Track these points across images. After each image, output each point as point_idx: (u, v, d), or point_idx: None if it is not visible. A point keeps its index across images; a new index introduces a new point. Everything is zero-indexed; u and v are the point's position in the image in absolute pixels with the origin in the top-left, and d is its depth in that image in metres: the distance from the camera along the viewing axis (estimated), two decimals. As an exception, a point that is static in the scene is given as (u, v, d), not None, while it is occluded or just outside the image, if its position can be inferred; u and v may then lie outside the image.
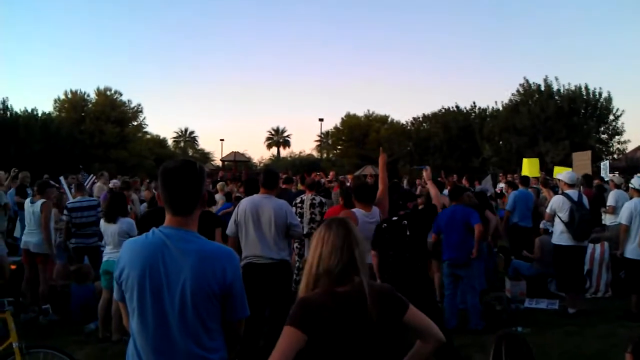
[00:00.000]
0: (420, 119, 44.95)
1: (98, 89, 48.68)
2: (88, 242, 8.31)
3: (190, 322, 2.30)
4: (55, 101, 48.30)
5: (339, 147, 57.18)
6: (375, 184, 7.95)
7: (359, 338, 2.33)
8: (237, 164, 34.93)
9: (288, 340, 2.27)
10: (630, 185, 8.10)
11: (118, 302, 2.51)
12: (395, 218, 5.79)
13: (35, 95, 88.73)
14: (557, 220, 7.85)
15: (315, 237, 2.50)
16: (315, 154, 60.49)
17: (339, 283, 2.36)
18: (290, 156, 61.65)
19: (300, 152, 62.17)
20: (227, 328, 2.43)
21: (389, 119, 55.01)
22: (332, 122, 78.09)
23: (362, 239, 2.49)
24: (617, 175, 12.31)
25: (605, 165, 16.09)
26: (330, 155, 57.71)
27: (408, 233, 5.59)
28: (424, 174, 6.90)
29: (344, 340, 2.31)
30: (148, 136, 54.68)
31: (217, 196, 11.24)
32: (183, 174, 2.40)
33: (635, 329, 6.56)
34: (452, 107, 42.54)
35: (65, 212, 8.38)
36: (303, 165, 42.69)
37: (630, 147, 38.65)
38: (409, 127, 46.12)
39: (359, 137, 53.04)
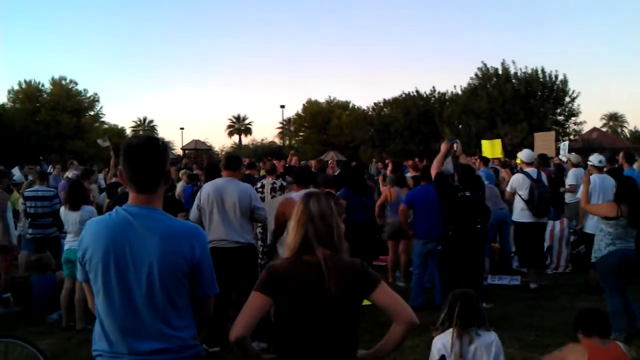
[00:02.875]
0: (381, 104, 45.07)
1: (53, 79, 47.62)
2: (47, 233, 8.11)
3: (158, 300, 2.26)
4: (9, 92, 47.08)
5: (301, 133, 57.10)
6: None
7: (318, 307, 2.39)
8: (199, 152, 34.52)
9: (253, 303, 2.40)
10: (588, 162, 8.27)
11: (82, 284, 2.45)
12: (468, 193, 6.29)
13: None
14: (517, 198, 7.99)
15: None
16: (277, 140, 60.22)
17: (305, 253, 2.46)
18: (252, 143, 61.20)
19: (262, 140, 61.75)
20: (196, 306, 2.40)
21: (351, 105, 55.22)
22: (294, 108, 77.74)
23: (326, 214, 2.50)
24: (573, 154, 12.54)
25: (564, 145, 16.42)
26: (293, 142, 57.54)
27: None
28: (455, 147, 7.00)
29: (304, 307, 2.40)
30: (105, 126, 53.63)
31: (180, 184, 11.21)
32: (147, 150, 2.35)
33: (595, 302, 6.74)
34: (413, 92, 42.78)
35: (21, 200, 8.16)
36: (265, 153, 42.45)
37: (586, 128, 39.71)
38: (370, 113, 46.18)
39: (320, 123, 53.07)
